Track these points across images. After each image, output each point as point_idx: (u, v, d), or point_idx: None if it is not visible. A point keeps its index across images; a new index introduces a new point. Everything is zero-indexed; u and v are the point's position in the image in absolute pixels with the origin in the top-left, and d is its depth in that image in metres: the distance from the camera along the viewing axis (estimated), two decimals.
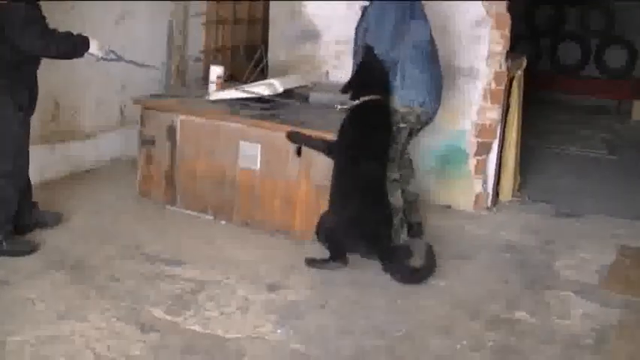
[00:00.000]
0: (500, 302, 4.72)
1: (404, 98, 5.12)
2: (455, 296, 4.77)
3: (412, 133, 5.35)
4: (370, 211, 4.89)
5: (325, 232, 4.95)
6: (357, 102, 5.07)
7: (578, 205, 6.71)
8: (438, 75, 5.31)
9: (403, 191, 5.37)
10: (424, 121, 5.32)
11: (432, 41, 5.26)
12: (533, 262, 5.42)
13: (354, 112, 5.10)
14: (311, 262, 4.98)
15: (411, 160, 5.64)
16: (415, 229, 5.55)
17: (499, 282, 5.05)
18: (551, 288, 4.97)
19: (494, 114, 6.27)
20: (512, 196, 6.76)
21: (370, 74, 5.12)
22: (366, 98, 5.05)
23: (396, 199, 5.21)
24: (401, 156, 5.36)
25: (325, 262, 4.96)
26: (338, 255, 4.94)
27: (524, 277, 5.13)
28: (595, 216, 6.46)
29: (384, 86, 5.11)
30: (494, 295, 4.81)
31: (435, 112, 5.36)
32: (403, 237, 5.26)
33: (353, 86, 5.18)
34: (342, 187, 4.95)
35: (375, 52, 5.08)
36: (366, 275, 4.94)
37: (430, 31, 5.24)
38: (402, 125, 5.18)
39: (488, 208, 6.45)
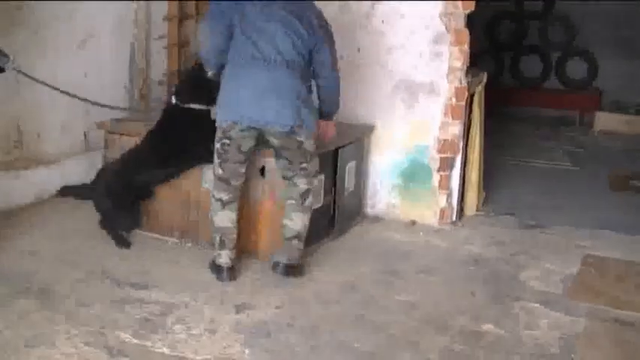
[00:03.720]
0: (467, 315, 4.75)
1: (221, 115, 5.06)
2: (422, 310, 4.79)
3: (276, 152, 5.14)
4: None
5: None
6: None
7: (542, 216, 6.77)
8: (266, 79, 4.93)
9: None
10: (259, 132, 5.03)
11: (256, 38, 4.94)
12: (499, 274, 5.46)
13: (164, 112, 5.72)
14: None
15: (303, 193, 5.19)
16: (277, 268, 5.22)
17: (466, 295, 5.08)
18: (518, 299, 5.01)
19: (455, 129, 6.32)
20: (477, 210, 6.82)
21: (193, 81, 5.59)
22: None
23: (218, 218, 5.12)
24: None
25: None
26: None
27: (490, 289, 5.17)
28: (559, 227, 6.52)
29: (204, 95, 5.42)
30: (462, 308, 4.84)
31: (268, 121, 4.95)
32: (224, 257, 5.13)
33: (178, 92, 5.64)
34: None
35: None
36: (331, 292, 4.98)
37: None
38: (225, 142, 5.02)
39: (453, 223, 6.49)
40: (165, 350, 4.13)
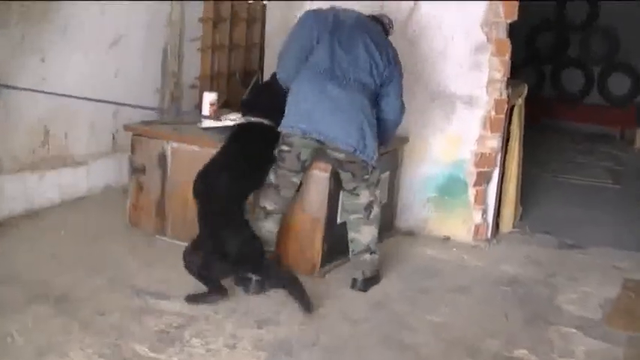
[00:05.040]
0: (499, 339, 4.55)
1: (285, 120, 4.96)
2: (452, 332, 4.59)
3: (338, 164, 5.06)
4: (227, 231, 4.71)
5: (190, 264, 4.76)
6: (239, 122, 5.18)
7: (580, 236, 6.53)
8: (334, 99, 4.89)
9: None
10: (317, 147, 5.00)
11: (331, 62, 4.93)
12: (534, 296, 5.25)
13: (232, 132, 5.19)
14: (192, 299, 4.68)
15: (367, 206, 5.13)
16: (353, 283, 5.16)
17: (499, 317, 4.88)
18: (553, 324, 4.80)
19: (494, 143, 6.12)
20: (513, 226, 6.61)
21: (264, 96, 5.31)
22: (251, 119, 5.15)
23: (257, 227, 4.97)
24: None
25: (205, 295, 4.70)
26: (213, 286, 4.72)
27: (524, 312, 4.97)
28: (598, 248, 6.29)
29: (273, 110, 5.08)
30: (494, 332, 4.64)
31: (328, 139, 4.90)
32: None
33: (244, 106, 5.33)
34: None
35: (278, 75, 5.13)
36: (358, 310, 4.79)
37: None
38: (284, 148, 4.98)
39: (488, 240, 6.28)
40: None
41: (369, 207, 5.13)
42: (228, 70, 8.25)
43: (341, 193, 5.22)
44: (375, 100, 5.06)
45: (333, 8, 5.17)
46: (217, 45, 7.98)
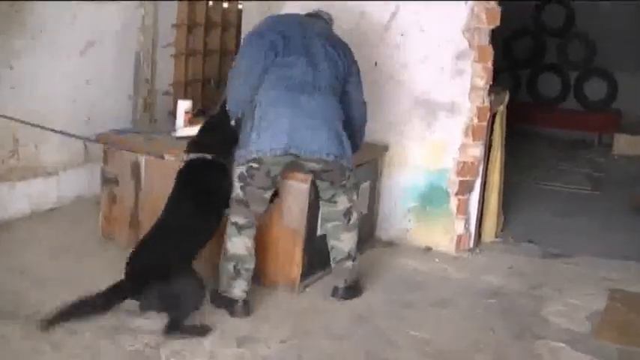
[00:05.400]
0: (486, 354, 4.42)
1: (256, 145, 4.63)
2: (437, 347, 4.45)
3: (315, 175, 4.89)
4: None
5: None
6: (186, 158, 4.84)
7: (564, 244, 6.44)
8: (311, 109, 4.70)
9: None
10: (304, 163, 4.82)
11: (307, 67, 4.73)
12: (520, 308, 5.12)
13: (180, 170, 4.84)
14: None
15: (345, 212, 5.01)
16: (336, 292, 5.05)
17: (484, 331, 4.74)
18: (541, 337, 4.67)
19: (476, 151, 6.00)
20: (496, 236, 6.49)
21: (212, 132, 4.93)
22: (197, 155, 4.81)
23: (232, 244, 4.72)
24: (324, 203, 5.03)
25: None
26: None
27: (511, 325, 4.83)
28: (582, 257, 6.19)
29: (223, 145, 4.84)
30: (481, 347, 4.50)
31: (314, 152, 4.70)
32: (238, 288, 4.70)
33: (188, 146, 4.91)
34: None
35: (230, 107, 4.83)
36: (341, 325, 4.64)
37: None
38: (253, 165, 4.64)
39: (470, 250, 6.15)
40: None
41: (347, 213, 5.00)
42: (202, 77, 8.08)
43: (320, 204, 5.07)
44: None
45: (273, 17, 5.03)
46: (191, 51, 7.82)
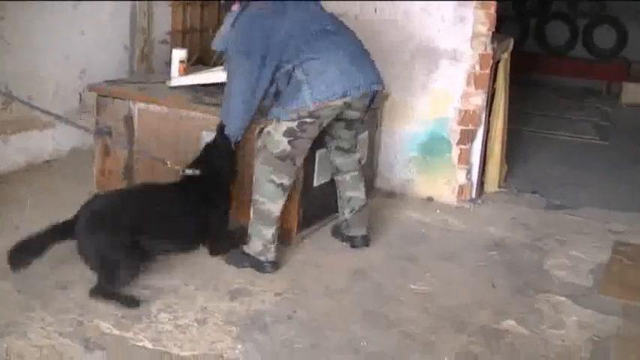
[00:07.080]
0: (487, 309, 4.31)
1: (311, 96, 4.39)
2: (438, 304, 4.35)
3: (347, 124, 4.79)
4: None
5: None
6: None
7: (569, 196, 6.32)
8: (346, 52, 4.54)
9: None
10: (358, 107, 4.68)
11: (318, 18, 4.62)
12: (522, 262, 5.02)
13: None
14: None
15: (359, 162, 5.02)
16: (358, 241, 5.02)
17: (486, 286, 4.64)
18: (543, 292, 4.57)
19: (478, 100, 5.85)
20: (499, 186, 6.36)
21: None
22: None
23: (277, 207, 4.54)
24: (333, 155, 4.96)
25: None
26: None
27: (513, 279, 4.72)
28: (588, 209, 6.06)
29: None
30: (481, 302, 4.40)
31: (364, 91, 4.56)
32: (273, 253, 4.59)
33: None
34: None
35: (226, 130, 4.63)
36: (339, 281, 4.53)
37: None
38: (307, 120, 4.44)
39: (472, 201, 6.03)
40: (147, 344, 3.71)
41: (360, 161, 5.03)
42: (201, 26, 7.90)
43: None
44: None
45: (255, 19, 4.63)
46: None
